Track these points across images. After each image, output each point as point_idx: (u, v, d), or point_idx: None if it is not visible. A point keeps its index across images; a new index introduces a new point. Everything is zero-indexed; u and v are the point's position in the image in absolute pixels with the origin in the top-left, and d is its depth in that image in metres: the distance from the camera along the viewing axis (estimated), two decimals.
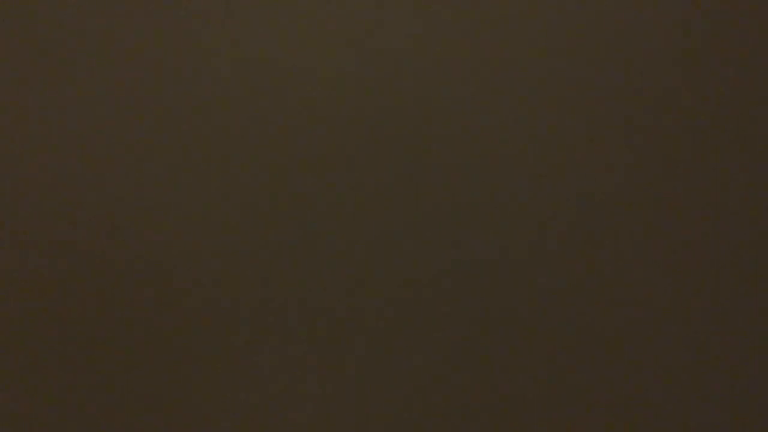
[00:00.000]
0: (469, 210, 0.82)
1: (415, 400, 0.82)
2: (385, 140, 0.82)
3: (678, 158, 0.82)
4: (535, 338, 0.81)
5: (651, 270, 0.82)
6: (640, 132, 0.82)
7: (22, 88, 0.83)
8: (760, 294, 0.81)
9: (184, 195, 0.82)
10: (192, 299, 0.82)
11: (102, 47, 0.83)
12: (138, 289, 0.81)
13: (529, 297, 0.81)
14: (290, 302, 0.82)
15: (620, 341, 0.81)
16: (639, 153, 0.82)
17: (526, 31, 0.83)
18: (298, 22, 0.83)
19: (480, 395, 0.81)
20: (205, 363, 0.81)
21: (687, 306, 0.82)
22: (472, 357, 0.81)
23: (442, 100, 0.82)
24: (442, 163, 0.82)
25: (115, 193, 0.82)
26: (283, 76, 0.83)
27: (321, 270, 0.82)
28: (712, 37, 0.83)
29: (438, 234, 0.82)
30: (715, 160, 0.82)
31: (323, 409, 0.82)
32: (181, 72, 0.83)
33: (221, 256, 0.82)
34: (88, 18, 0.83)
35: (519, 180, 0.82)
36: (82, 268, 0.82)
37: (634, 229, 0.82)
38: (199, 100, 0.83)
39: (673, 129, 0.82)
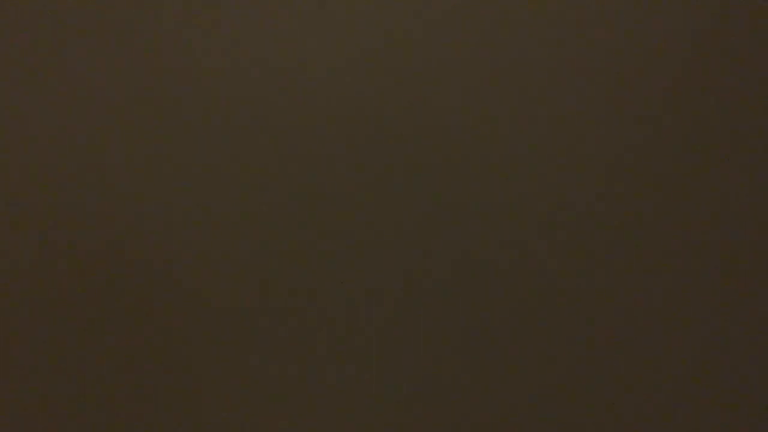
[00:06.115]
0: (467, 211, 0.82)
1: (412, 400, 0.82)
2: (380, 141, 0.82)
3: (679, 159, 0.82)
4: (536, 339, 0.81)
5: (653, 271, 0.82)
6: (642, 132, 0.82)
7: (18, 90, 0.83)
8: (760, 294, 0.81)
9: (180, 197, 0.82)
10: (192, 301, 0.82)
11: (96, 48, 0.83)
12: (136, 290, 0.81)
13: (530, 298, 0.82)
14: (289, 304, 0.82)
15: (621, 342, 0.81)
16: (642, 154, 0.82)
17: (527, 32, 0.83)
18: (291, 23, 0.83)
19: (480, 397, 0.82)
20: (202, 363, 0.82)
21: (688, 307, 0.82)
22: (472, 359, 0.82)
23: (437, 100, 0.82)
24: (439, 163, 0.82)
25: (111, 195, 0.82)
26: (277, 76, 0.83)
27: (318, 271, 0.82)
28: (711, 37, 0.83)
29: (437, 235, 0.82)
30: (716, 161, 0.82)
31: (319, 410, 0.82)
32: (178, 73, 0.83)
33: (216, 256, 0.82)
34: (82, 21, 0.83)
35: (519, 179, 0.82)
36: (79, 268, 0.82)
37: (637, 230, 0.82)
38: (194, 101, 0.83)
39: (674, 129, 0.82)
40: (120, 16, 0.83)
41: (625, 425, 0.81)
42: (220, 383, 0.81)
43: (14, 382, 0.81)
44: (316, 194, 0.82)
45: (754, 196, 0.82)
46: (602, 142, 0.82)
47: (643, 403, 0.81)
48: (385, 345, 0.82)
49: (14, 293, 0.82)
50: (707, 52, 0.82)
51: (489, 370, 0.81)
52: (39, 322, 0.82)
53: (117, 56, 0.83)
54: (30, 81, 0.83)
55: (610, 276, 0.82)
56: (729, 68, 0.82)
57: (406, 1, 0.83)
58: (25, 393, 0.81)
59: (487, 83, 0.82)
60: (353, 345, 0.82)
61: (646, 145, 0.82)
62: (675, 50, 0.82)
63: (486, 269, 0.82)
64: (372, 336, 0.82)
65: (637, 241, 0.82)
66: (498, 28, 0.83)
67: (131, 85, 0.83)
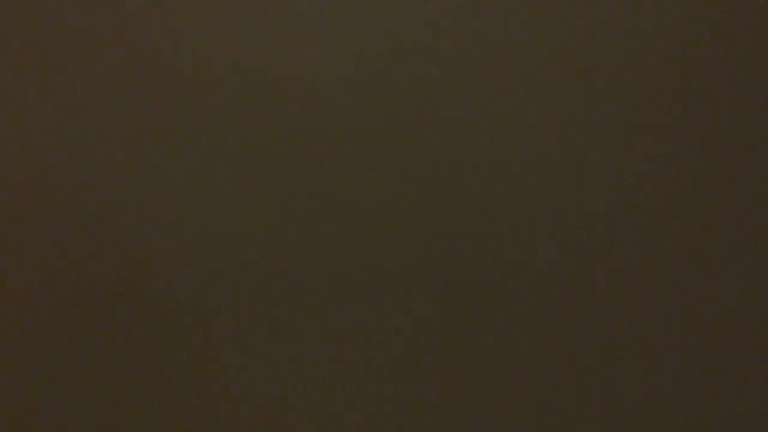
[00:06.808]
0: (470, 215, 0.82)
1: (413, 402, 0.82)
2: (380, 143, 0.82)
3: (679, 159, 0.82)
4: (537, 342, 0.81)
5: (654, 273, 0.82)
6: (644, 134, 0.82)
7: (17, 91, 0.83)
8: (760, 294, 0.81)
9: (180, 198, 0.82)
10: (191, 303, 0.82)
11: (98, 51, 0.83)
12: (135, 291, 0.81)
13: (530, 301, 0.81)
14: (289, 306, 0.82)
15: (622, 344, 0.81)
16: (643, 155, 0.82)
17: (528, 33, 0.83)
18: (293, 29, 0.83)
19: (481, 399, 0.81)
20: (201, 365, 0.81)
21: (688, 309, 0.82)
22: (472, 360, 0.81)
23: (439, 106, 0.82)
24: (440, 167, 0.82)
25: (109, 195, 0.82)
26: (278, 82, 0.83)
27: (318, 273, 0.82)
28: (712, 37, 0.83)
29: (438, 239, 0.82)
30: (716, 161, 0.82)
31: (317, 409, 0.82)
32: (178, 76, 0.83)
33: (218, 260, 0.82)
34: (82, 21, 0.83)
35: (521, 183, 0.82)
36: (77, 269, 0.82)
37: (638, 233, 0.82)
38: (195, 106, 0.83)
39: (674, 130, 0.82)
40: (120, 16, 0.83)
41: (626, 427, 0.81)
42: (219, 385, 0.81)
43: (13, 382, 0.81)
44: (315, 196, 0.82)
45: (756, 197, 0.82)
46: (604, 144, 0.82)
47: (643, 404, 0.81)
48: (386, 346, 0.82)
49: (13, 297, 0.82)
50: (708, 52, 0.82)
51: (490, 372, 0.81)
52: (36, 325, 0.82)
53: (116, 60, 0.83)
54: (29, 82, 0.83)
55: (613, 280, 0.82)
56: (730, 68, 0.82)
57: (407, 3, 0.83)
58: (24, 394, 0.81)
59: (489, 88, 0.82)
60: (353, 346, 0.82)
61: (648, 147, 0.82)
62: (676, 50, 0.83)
63: (487, 271, 0.82)
64: (372, 338, 0.82)
65: (641, 245, 0.82)
66: (500, 30, 0.83)
67: (130, 89, 0.83)
